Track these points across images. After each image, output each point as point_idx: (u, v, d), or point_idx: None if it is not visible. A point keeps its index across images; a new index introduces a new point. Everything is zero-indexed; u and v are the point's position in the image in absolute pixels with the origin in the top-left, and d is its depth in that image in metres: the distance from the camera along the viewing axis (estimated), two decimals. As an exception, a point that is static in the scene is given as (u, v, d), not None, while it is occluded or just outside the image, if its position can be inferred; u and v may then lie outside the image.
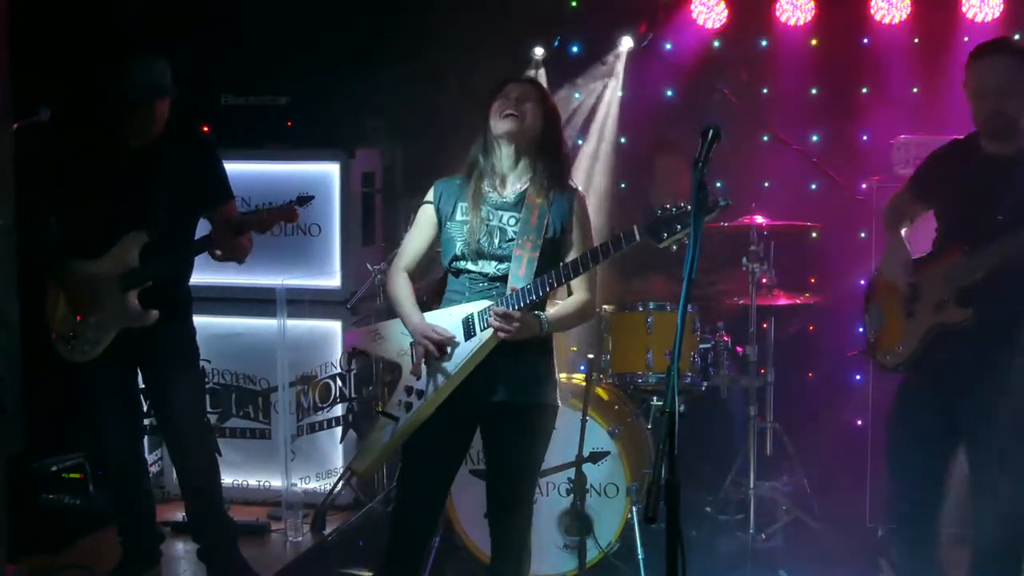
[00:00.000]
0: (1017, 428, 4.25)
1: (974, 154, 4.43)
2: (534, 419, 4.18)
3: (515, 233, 4.09)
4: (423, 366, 4.12)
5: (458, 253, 4.14)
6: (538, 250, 4.07)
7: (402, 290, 4.25)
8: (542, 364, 4.19)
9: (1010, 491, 4.28)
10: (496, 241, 4.11)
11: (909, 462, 4.53)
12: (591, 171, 6.97)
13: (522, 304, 4.00)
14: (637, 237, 3.90)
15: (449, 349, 4.08)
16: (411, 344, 4.19)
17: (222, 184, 5.30)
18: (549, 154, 4.18)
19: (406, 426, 4.12)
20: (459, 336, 4.09)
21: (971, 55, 4.39)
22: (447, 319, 4.13)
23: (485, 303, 4.07)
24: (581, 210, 4.20)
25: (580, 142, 7.04)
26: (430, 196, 4.27)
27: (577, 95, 7.10)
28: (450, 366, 4.08)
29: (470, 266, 4.14)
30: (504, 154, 4.16)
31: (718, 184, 3.49)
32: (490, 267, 4.12)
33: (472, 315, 4.08)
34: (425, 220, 4.28)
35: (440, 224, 4.23)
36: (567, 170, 4.30)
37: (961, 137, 4.57)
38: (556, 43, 7.04)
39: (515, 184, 4.18)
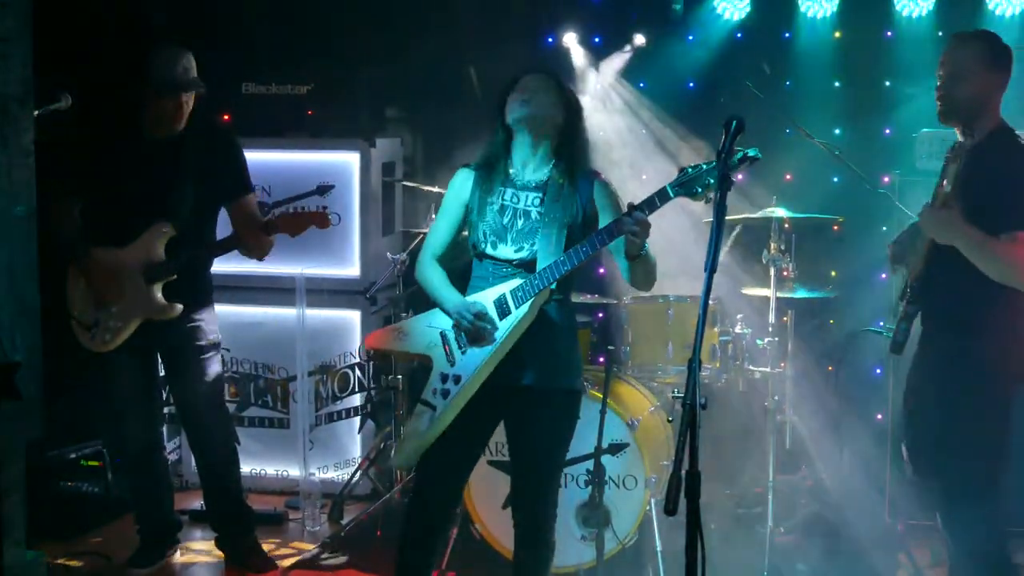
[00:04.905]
0: None
1: None
2: (562, 404, 4.17)
3: (539, 215, 4.07)
4: (458, 351, 4.12)
5: (481, 237, 4.13)
6: (566, 228, 4.05)
7: (435, 275, 4.24)
8: (569, 349, 4.19)
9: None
10: (520, 224, 4.10)
11: None
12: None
13: (556, 278, 3.98)
14: (671, 195, 3.86)
15: (487, 328, 4.05)
16: (440, 334, 4.18)
17: (242, 176, 5.31)
18: (570, 142, 4.16)
19: (445, 413, 4.07)
20: (494, 317, 4.07)
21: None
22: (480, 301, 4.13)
23: (516, 282, 4.05)
24: (607, 192, 4.17)
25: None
26: (455, 182, 4.26)
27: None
28: (486, 348, 4.06)
29: (491, 251, 4.12)
30: (524, 142, 4.15)
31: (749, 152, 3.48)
32: (512, 251, 4.10)
33: (505, 294, 4.06)
34: (449, 207, 4.27)
35: (465, 209, 4.22)
36: (587, 156, 4.27)
37: None
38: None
39: (537, 171, 4.16)
